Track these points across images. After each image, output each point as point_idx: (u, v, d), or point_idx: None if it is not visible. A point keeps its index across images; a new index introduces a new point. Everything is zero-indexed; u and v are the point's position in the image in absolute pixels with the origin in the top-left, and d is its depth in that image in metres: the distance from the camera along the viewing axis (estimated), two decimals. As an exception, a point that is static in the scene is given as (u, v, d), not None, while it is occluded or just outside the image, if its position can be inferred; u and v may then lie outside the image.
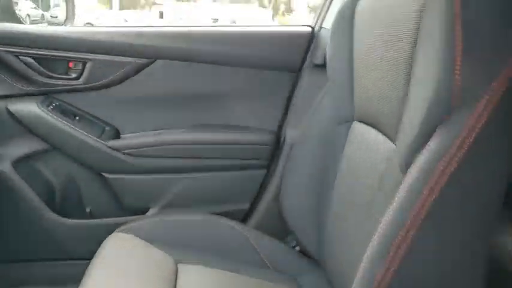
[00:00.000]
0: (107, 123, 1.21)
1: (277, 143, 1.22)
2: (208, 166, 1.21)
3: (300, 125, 1.10)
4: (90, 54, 1.13)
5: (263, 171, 1.23)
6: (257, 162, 1.22)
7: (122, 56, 1.13)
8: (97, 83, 1.15)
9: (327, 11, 1.22)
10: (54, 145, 1.15)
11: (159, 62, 1.15)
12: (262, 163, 1.23)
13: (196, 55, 1.17)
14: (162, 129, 1.21)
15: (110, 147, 1.16)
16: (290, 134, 1.19)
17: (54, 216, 1.15)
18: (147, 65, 1.15)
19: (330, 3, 1.20)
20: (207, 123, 1.23)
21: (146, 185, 1.20)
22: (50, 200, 1.17)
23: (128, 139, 1.20)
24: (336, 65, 0.88)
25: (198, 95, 1.20)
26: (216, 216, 1.04)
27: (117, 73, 1.14)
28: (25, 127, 1.12)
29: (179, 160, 1.19)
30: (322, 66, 1.06)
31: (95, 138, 1.15)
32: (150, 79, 1.16)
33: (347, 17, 0.85)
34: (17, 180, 1.12)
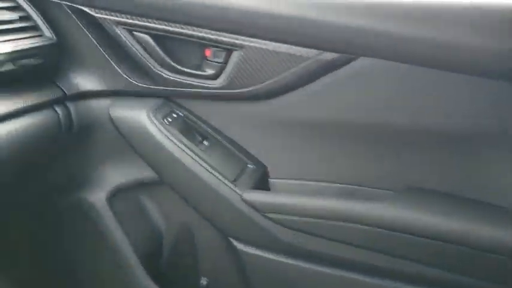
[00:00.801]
0: (252, 158, 0.82)
1: None
2: (416, 276, 0.70)
3: None
4: (240, 37, 0.72)
5: None
6: None
7: (295, 45, 0.69)
8: (245, 90, 0.75)
9: None
10: (165, 178, 0.81)
11: (362, 60, 0.68)
12: None
13: (441, 55, 0.63)
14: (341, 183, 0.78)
15: (246, 202, 0.75)
16: None
17: (152, 285, 0.87)
18: (339, 66, 0.69)
19: None
20: (433, 190, 0.73)
21: (293, 277, 0.80)
22: (150, 256, 0.89)
23: (279, 196, 0.80)
24: None
25: (425, 130, 0.72)
26: None
27: (282, 75, 0.71)
28: (129, 143, 0.80)
29: (364, 253, 0.72)
30: None
31: (227, 181, 0.77)
32: (339, 91, 0.72)
33: None
34: (110, 221, 0.84)
